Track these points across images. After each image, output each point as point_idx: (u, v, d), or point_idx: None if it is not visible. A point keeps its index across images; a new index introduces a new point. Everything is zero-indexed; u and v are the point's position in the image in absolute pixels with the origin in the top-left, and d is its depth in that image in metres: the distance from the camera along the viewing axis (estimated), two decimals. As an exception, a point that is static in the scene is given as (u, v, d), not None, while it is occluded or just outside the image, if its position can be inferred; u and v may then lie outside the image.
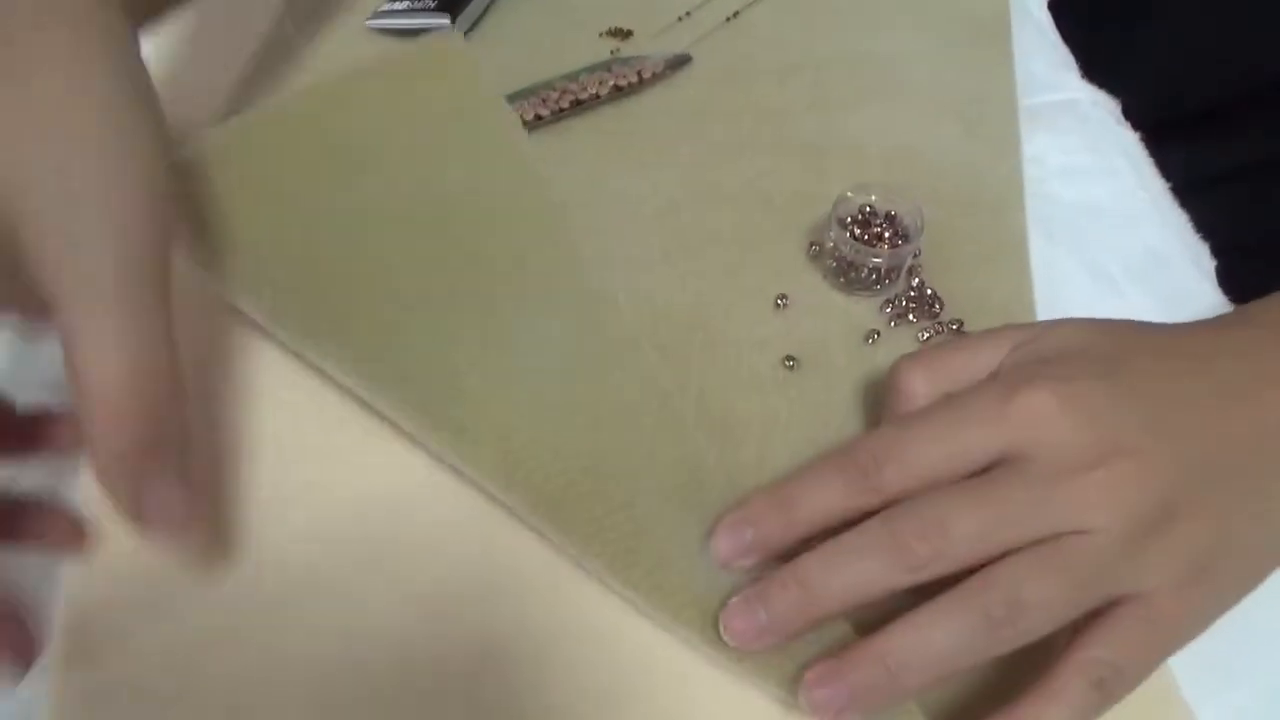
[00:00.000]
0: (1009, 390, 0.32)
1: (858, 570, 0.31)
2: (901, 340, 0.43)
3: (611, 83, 0.52)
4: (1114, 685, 0.30)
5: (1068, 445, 0.31)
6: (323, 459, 0.39)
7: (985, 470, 0.32)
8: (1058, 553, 0.30)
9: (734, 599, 0.33)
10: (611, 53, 0.55)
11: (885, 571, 0.31)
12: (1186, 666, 0.33)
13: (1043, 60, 0.56)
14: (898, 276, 0.44)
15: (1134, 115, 0.54)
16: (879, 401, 0.40)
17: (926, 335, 0.43)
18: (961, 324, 0.43)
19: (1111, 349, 0.34)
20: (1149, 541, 0.30)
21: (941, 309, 0.43)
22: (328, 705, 0.34)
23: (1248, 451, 0.32)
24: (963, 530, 0.30)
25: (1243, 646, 0.34)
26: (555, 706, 0.34)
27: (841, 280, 0.44)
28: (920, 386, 0.35)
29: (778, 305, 0.44)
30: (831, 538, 0.32)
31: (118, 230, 0.31)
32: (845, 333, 0.43)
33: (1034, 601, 0.29)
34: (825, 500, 0.33)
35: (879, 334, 0.43)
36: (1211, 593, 0.32)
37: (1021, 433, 0.31)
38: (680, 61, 0.54)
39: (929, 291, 0.44)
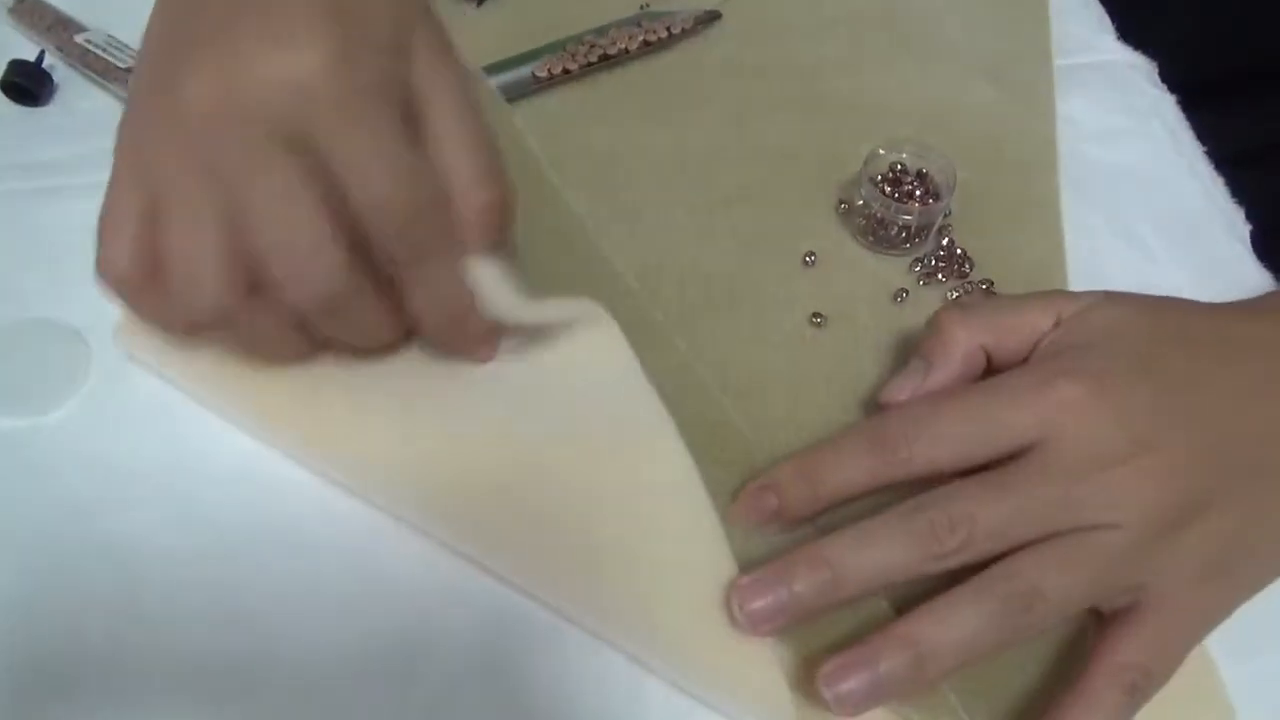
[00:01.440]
0: (1047, 377, 0.32)
1: (886, 555, 0.31)
2: (930, 299, 0.42)
3: (640, 38, 0.51)
4: (1145, 688, 0.31)
5: (1098, 438, 0.31)
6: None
7: (1014, 455, 0.32)
8: (1081, 547, 0.30)
9: (747, 578, 0.32)
10: (641, 8, 0.54)
11: (913, 559, 0.31)
12: (1217, 631, 0.33)
13: (1079, 21, 0.55)
14: (928, 235, 0.43)
15: (1170, 79, 0.53)
16: (907, 359, 0.40)
17: (956, 294, 0.42)
18: (991, 284, 0.42)
19: (1151, 335, 0.34)
20: (1169, 538, 0.31)
21: (971, 269, 0.43)
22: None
23: (1275, 446, 0.33)
24: (991, 523, 0.30)
25: (1274, 610, 0.33)
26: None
27: (871, 238, 0.44)
28: (961, 334, 0.35)
29: (806, 263, 0.43)
30: (852, 511, 0.33)
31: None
32: (874, 291, 0.43)
33: (1053, 594, 0.30)
34: (852, 473, 0.33)
35: (907, 293, 0.42)
36: (1229, 588, 0.32)
37: (1054, 421, 0.31)
38: (710, 17, 0.53)
39: (959, 251, 0.43)
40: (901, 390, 0.36)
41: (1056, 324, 0.35)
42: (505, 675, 0.34)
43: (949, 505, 0.31)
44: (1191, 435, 0.32)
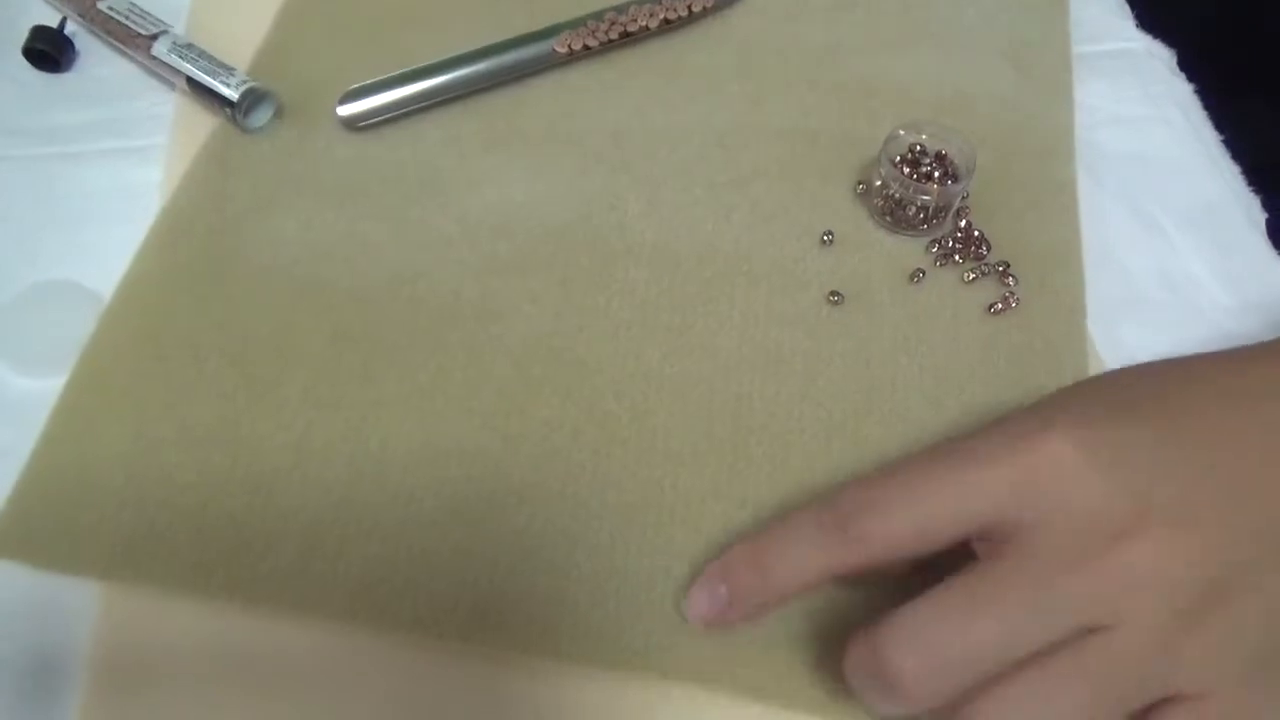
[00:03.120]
0: (1020, 436, 0.27)
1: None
2: (947, 280, 0.42)
3: (661, 15, 0.51)
4: None
5: (1091, 511, 0.25)
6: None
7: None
8: (1075, 663, 0.25)
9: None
10: (661, -14, 0.54)
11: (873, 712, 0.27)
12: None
13: (1098, 7, 0.55)
14: (945, 216, 0.43)
15: (1189, 67, 0.53)
16: (923, 339, 0.40)
17: (972, 276, 0.42)
18: (1008, 266, 0.42)
19: (1151, 385, 0.29)
20: (1194, 632, 0.25)
21: (988, 251, 0.43)
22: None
23: None
24: (958, 654, 0.25)
25: None
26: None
27: (889, 219, 0.44)
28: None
29: (824, 242, 0.44)
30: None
31: None
32: (891, 271, 0.43)
33: None
34: (801, 560, 0.28)
35: (924, 273, 0.42)
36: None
37: (1034, 491, 0.26)
38: (730, -3, 0.53)
39: (976, 233, 0.43)
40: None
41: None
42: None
43: (904, 632, 0.26)
44: (1211, 499, 0.26)
